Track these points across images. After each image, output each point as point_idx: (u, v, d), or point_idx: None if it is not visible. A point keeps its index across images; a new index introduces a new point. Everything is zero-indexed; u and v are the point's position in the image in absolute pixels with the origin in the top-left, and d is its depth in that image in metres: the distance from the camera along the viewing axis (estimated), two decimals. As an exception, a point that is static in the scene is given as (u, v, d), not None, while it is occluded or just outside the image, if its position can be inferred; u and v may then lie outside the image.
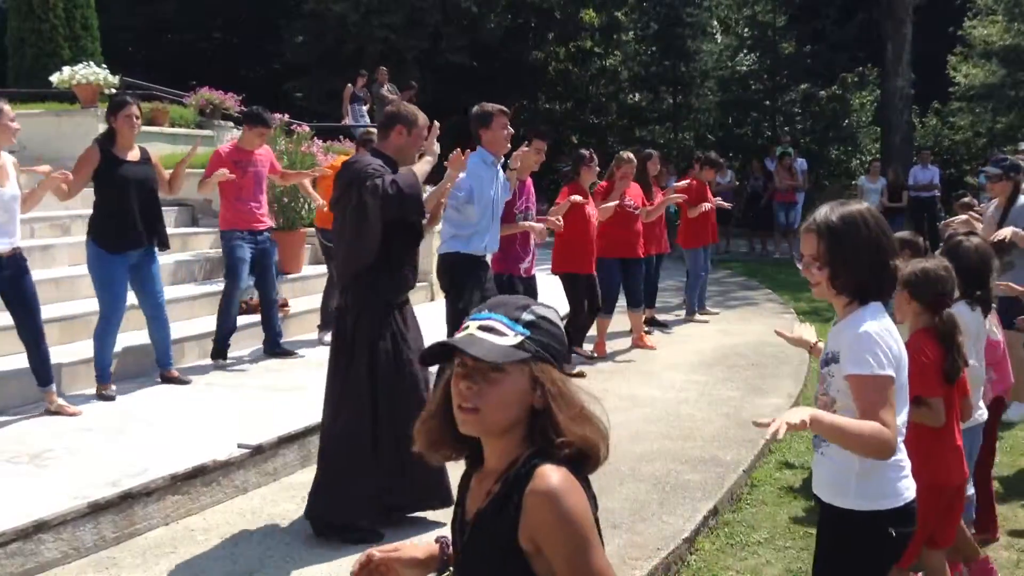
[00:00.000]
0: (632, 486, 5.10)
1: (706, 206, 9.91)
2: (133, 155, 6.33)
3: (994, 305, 4.20)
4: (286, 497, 4.94)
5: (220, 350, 7.21)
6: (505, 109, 6.13)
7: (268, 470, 5.16)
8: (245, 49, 26.74)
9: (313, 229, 8.87)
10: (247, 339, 7.65)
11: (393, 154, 4.60)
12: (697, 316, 10.40)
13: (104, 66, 11.36)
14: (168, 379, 6.59)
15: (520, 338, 1.73)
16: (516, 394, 1.72)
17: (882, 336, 2.55)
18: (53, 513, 4.10)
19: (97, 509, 4.26)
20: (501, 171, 6.28)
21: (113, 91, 11.30)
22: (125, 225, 6.19)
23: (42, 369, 5.73)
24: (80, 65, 10.94)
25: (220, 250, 7.60)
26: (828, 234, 2.62)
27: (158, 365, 6.64)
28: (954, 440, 3.51)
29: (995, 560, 4.27)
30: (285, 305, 8.27)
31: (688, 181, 10.27)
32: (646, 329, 9.37)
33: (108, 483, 4.47)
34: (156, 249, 6.48)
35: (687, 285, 10.56)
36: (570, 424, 1.72)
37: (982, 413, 4.05)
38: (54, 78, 10.81)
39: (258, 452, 5.11)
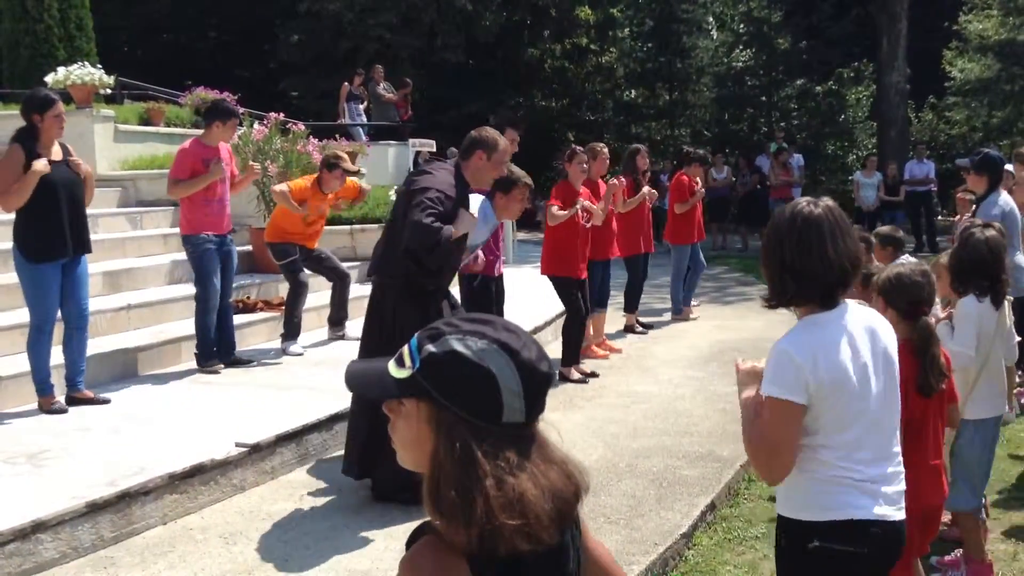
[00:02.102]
0: (630, 482, 5.11)
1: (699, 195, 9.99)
2: (56, 154, 5.77)
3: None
4: (284, 495, 4.94)
5: (213, 362, 6.85)
6: (529, 182, 6.06)
7: (266, 469, 5.16)
8: (240, 48, 26.73)
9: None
10: (243, 338, 7.64)
11: (470, 176, 4.92)
12: (685, 314, 10.25)
13: (99, 66, 11.34)
14: (82, 400, 5.92)
15: (408, 372, 1.45)
16: (411, 434, 1.47)
17: (795, 356, 2.39)
18: (51, 513, 4.10)
19: (95, 509, 4.26)
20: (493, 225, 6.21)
21: (108, 91, 11.32)
22: (53, 232, 5.68)
23: None
24: (75, 65, 10.91)
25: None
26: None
27: (68, 386, 5.94)
28: (928, 459, 3.31)
29: (992, 553, 4.28)
30: (282, 304, 8.26)
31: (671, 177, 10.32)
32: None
33: (106, 483, 4.47)
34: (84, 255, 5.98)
35: (673, 282, 10.35)
36: (441, 500, 1.41)
37: (1003, 404, 4.10)
38: (49, 79, 10.78)
39: (256, 451, 5.11)
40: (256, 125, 9.47)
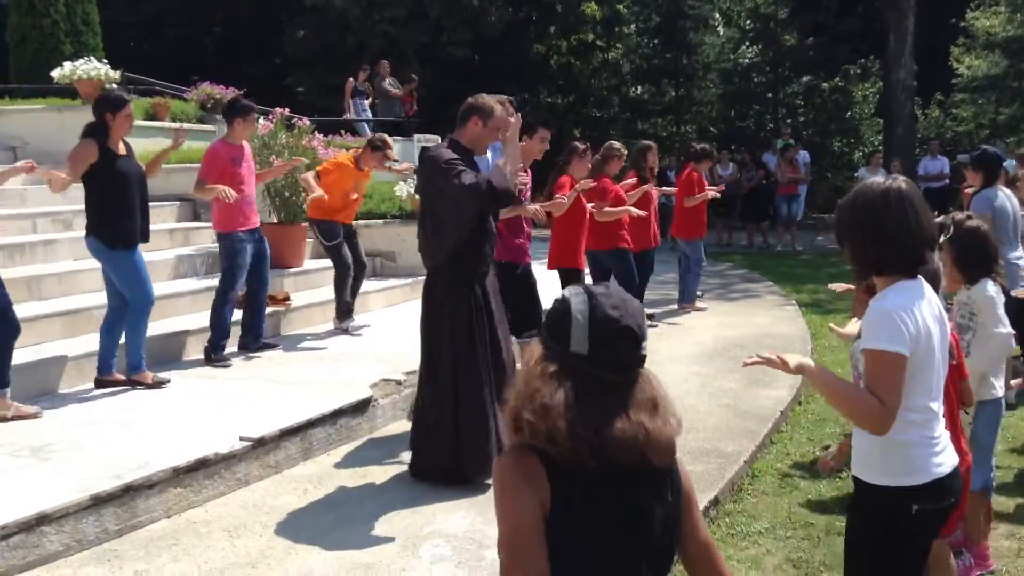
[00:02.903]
0: (633, 477, 5.10)
1: (704, 196, 10.03)
2: (123, 149, 6.23)
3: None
4: (288, 489, 4.96)
5: (222, 355, 6.93)
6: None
7: (270, 463, 5.17)
8: (246, 44, 26.71)
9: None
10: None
11: (467, 143, 4.97)
12: (696, 305, 10.36)
13: (105, 61, 11.37)
14: (140, 383, 6.20)
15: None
16: None
17: (898, 313, 2.57)
18: (55, 506, 4.12)
19: (99, 501, 4.27)
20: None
21: (114, 86, 11.33)
22: (132, 221, 6.11)
23: None
24: (81, 60, 10.94)
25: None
26: (838, 210, 2.78)
27: (131, 370, 6.22)
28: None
29: (996, 549, 4.28)
30: (287, 299, 8.28)
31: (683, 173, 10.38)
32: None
33: (110, 476, 4.49)
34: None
35: (684, 275, 10.46)
36: (520, 406, 1.88)
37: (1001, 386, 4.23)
38: (55, 73, 10.82)
39: (260, 444, 5.12)
40: (262, 120, 9.48)
